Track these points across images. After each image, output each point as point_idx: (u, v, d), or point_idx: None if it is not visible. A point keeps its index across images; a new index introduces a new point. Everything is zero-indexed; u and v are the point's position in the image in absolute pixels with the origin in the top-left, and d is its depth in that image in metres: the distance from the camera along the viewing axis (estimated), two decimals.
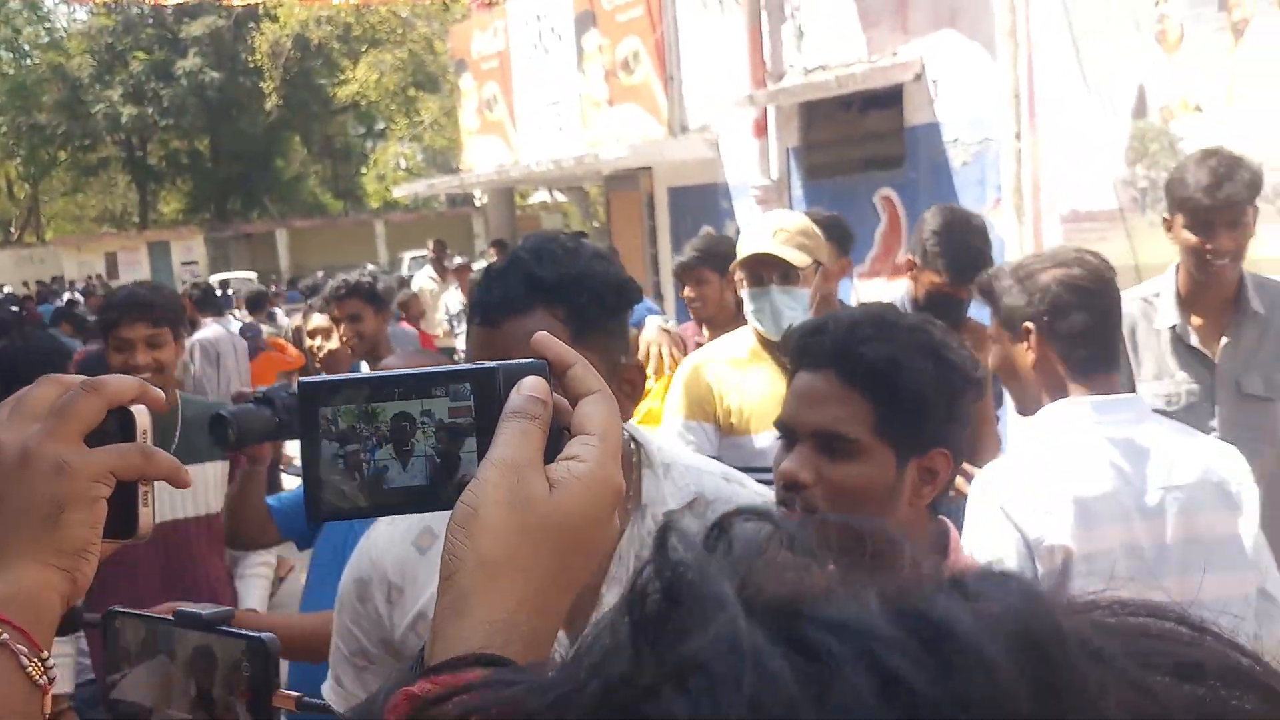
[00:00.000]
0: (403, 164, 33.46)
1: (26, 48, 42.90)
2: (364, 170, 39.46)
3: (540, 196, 23.17)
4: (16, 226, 46.20)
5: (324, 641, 2.19)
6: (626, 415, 1.60)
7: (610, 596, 1.57)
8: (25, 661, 0.75)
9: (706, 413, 3.08)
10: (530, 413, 0.67)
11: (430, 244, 12.26)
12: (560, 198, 21.67)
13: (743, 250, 3.16)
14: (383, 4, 22.70)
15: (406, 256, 28.57)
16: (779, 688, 0.34)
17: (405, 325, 8.07)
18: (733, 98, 8.33)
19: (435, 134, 26.23)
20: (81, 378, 0.83)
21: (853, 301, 7.65)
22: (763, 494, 1.77)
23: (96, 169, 43.78)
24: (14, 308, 14.26)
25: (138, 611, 1.08)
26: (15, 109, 40.32)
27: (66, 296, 21.90)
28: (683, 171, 9.26)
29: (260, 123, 39.70)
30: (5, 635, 0.75)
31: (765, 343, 3.16)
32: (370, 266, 20.07)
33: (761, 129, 8.21)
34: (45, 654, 0.77)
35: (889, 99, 7.42)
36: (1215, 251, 3.01)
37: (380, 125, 40.59)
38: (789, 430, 1.55)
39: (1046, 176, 6.40)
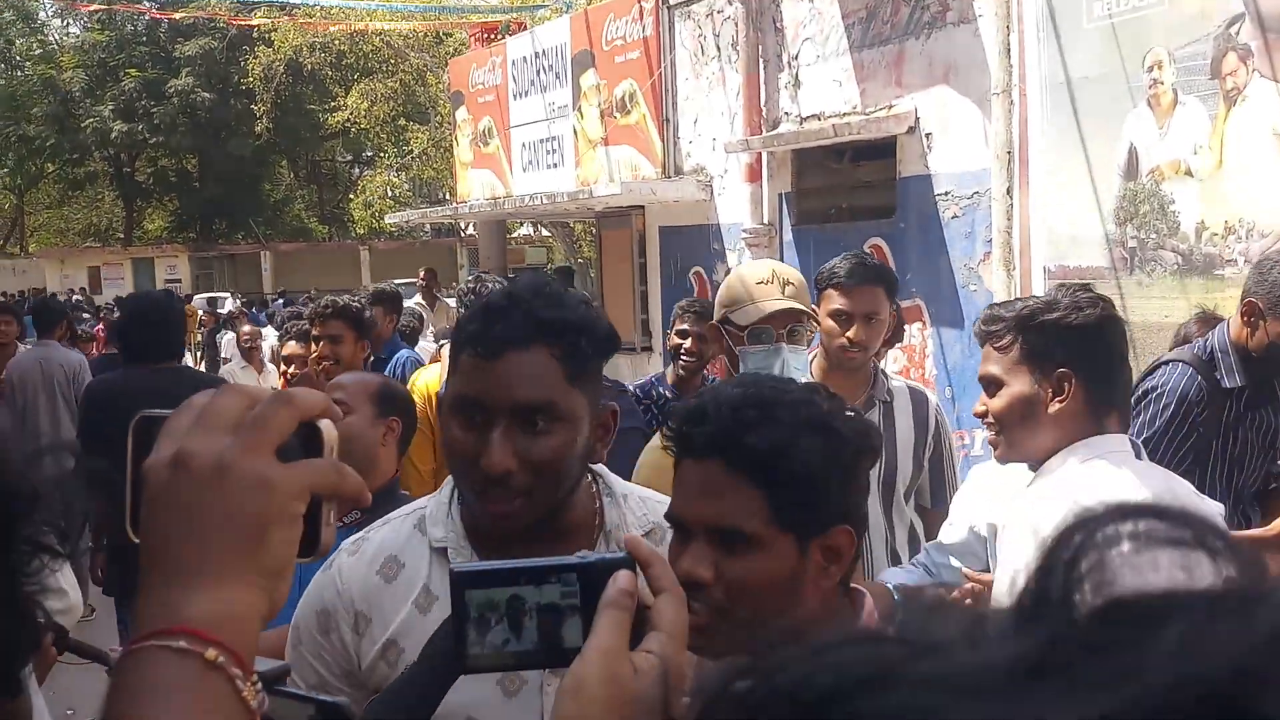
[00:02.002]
0: (390, 192, 33.52)
1: (19, 59, 42.89)
2: (351, 197, 39.51)
3: (525, 230, 23.26)
4: (0, 237, 46.00)
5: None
6: (599, 457, 1.66)
7: None
8: (240, 685, 0.72)
9: None
10: (622, 605, 0.87)
11: (421, 272, 12.28)
12: (545, 232, 21.75)
13: (747, 304, 2.89)
14: (376, 34, 22.83)
15: (391, 284, 28.63)
16: None
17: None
18: (727, 142, 8.42)
19: (423, 164, 26.28)
20: (269, 389, 0.80)
21: None
22: None
23: (84, 183, 43.73)
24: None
25: None
26: (4, 119, 40.29)
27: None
28: (674, 212, 9.34)
29: (249, 145, 39.76)
30: (221, 658, 0.72)
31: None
32: (372, 288, 20.08)
33: (755, 174, 8.30)
34: (254, 677, 0.74)
35: (882, 150, 7.52)
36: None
37: (368, 153, 40.71)
38: (680, 524, 1.46)
39: (1036, 232, 6.49)
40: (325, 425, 0.80)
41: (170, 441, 0.76)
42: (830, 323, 3.09)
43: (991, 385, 2.28)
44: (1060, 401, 2.20)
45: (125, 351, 5.00)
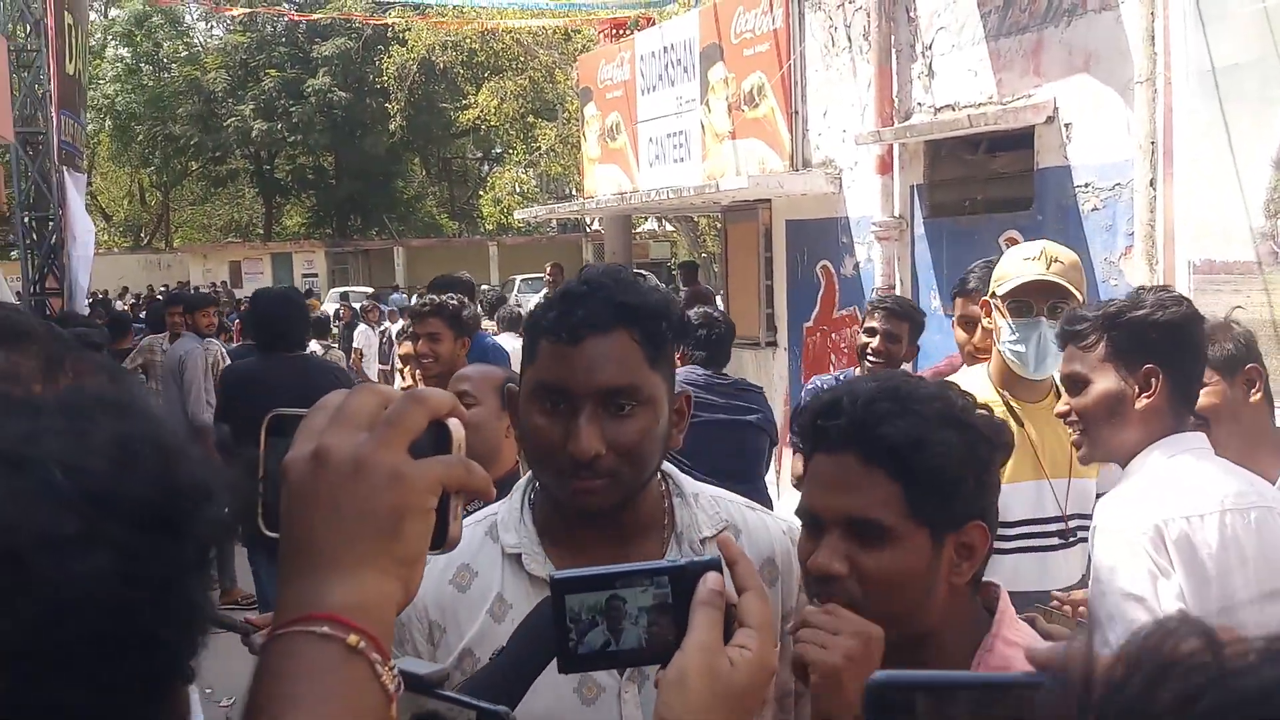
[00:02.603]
0: (518, 189, 34.00)
1: (166, 61, 44.67)
2: (481, 193, 40.17)
3: (649, 225, 23.35)
4: (146, 233, 48.01)
5: None
6: (676, 443, 1.66)
7: None
8: (379, 669, 0.75)
9: None
10: (714, 604, 0.94)
11: (548, 267, 12.45)
12: (669, 227, 21.79)
13: (1011, 277, 2.95)
14: (507, 32, 23.17)
15: (518, 278, 29.01)
16: None
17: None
18: (858, 134, 8.33)
19: (551, 160, 26.60)
20: (398, 390, 0.82)
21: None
22: (789, 525, 1.77)
23: (225, 180, 45.35)
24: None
25: None
26: (152, 119, 42.00)
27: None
28: (802, 205, 9.27)
29: (383, 143, 40.75)
30: (362, 643, 0.74)
31: (1008, 383, 3.02)
32: (484, 286, 20.38)
33: (886, 165, 8.19)
34: (392, 663, 0.76)
35: (1019, 141, 7.35)
36: None
37: (497, 150, 41.33)
38: (813, 518, 1.47)
39: (1180, 225, 6.27)
40: (453, 424, 0.82)
41: (308, 438, 0.79)
42: (960, 330, 3.24)
43: (1076, 384, 2.31)
44: (1148, 397, 2.23)
45: (259, 341, 5.44)
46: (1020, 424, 2.94)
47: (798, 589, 1.66)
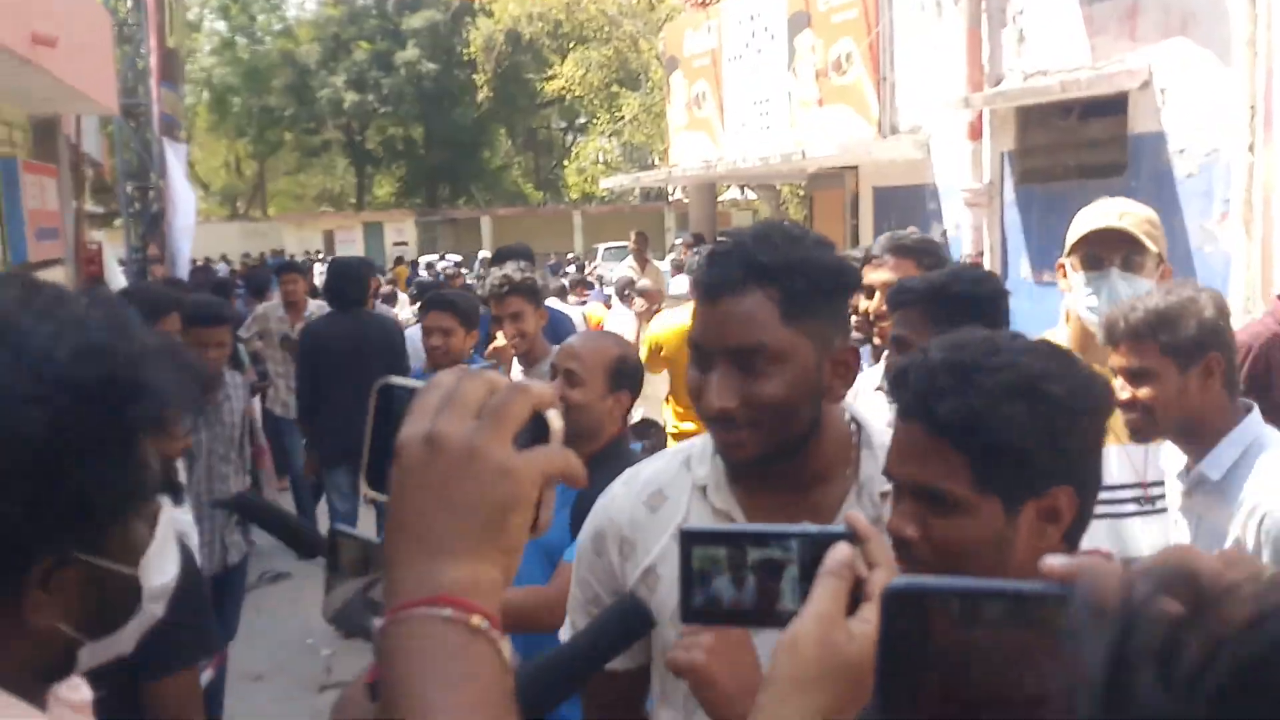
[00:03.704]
0: (602, 158, 34.07)
1: (260, 34, 45.50)
2: (565, 163, 40.34)
3: (731, 194, 23.26)
4: (243, 202, 49.09)
5: (531, 612, 2.55)
6: (838, 396, 1.66)
7: None
8: (502, 649, 0.79)
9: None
10: (840, 574, 0.93)
11: (632, 235, 12.49)
12: (751, 195, 21.69)
13: (1081, 228, 2.86)
14: (592, 2, 23.19)
15: (601, 247, 29.10)
16: None
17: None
18: (947, 100, 8.25)
19: (634, 129, 26.61)
20: (505, 379, 0.85)
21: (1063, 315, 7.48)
22: None
23: (319, 151, 46.16)
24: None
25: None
26: (248, 91, 42.89)
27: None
28: (889, 172, 9.22)
29: (470, 114, 41.11)
30: (484, 624, 0.78)
31: (1083, 347, 2.83)
32: (569, 255, 20.48)
33: (976, 132, 8.11)
34: (507, 639, 0.80)
35: (1112, 106, 7.23)
36: None
37: (582, 120, 41.43)
38: (893, 481, 1.49)
39: (1279, 191, 6.13)
40: (552, 415, 0.85)
41: (421, 419, 0.82)
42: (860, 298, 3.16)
43: (1137, 377, 2.38)
44: (1210, 383, 2.34)
45: (330, 301, 6.59)
46: None
47: None
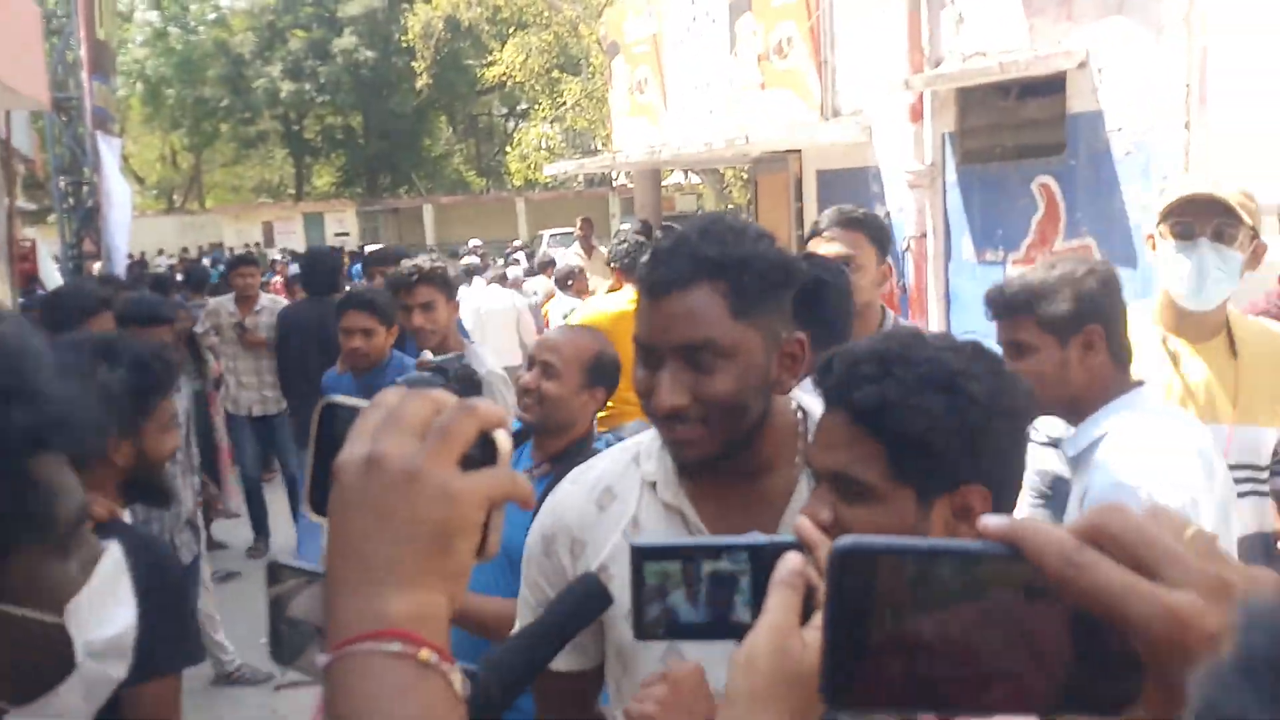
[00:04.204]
0: (544, 144, 33.93)
1: (193, 24, 44.73)
2: (507, 150, 40.11)
3: (675, 178, 23.27)
4: (179, 195, 48.32)
5: (487, 619, 2.54)
6: (786, 388, 1.66)
7: None
8: (453, 682, 0.75)
9: None
10: (792, 584, 0.91)
11: (578, 222, 12.48)
12: (695, 179, 21.71)
13: (1173, 193, 2.75)
14: None
15: (546, 234, 29.02)
16: None
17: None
18: (888, 83, 8.30)
19: (576, 115, 26.51)
20: (452, 397, 0.82)
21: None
22: None
23: (255, 141, 45.51)
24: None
25: None
26: (182, 82, 42.15)
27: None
28: (832, 154, 9.26)
29: (410, 101, 40.71)
30: (433, 658, 0.74)
31: (1172, 320, 2.77)
32: (515, 241, 20.35)
33: (917, 114, 8.17)
34: (458, 669, 0.77)
35: (1050, 86, 7.31)
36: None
37: (523, 106, 41.18)
38: (814, 470, 1.52)
39: (1215, 169, 6.23)
40: (500, 436, 0.82)
41: (362, 439, 0.78)
42: None
43: (1017, 351, 2.37)
44: (1090, 356, 2.33)
45: (305, 287, 7.00)
46: (1175, 364, 2.78)
47: None
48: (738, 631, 0.93)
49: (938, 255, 8.29)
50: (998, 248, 7.66)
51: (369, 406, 0.82)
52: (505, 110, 45.33)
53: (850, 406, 1.42)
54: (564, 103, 26.38)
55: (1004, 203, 7.71)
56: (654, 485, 1.72)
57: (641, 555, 0.95)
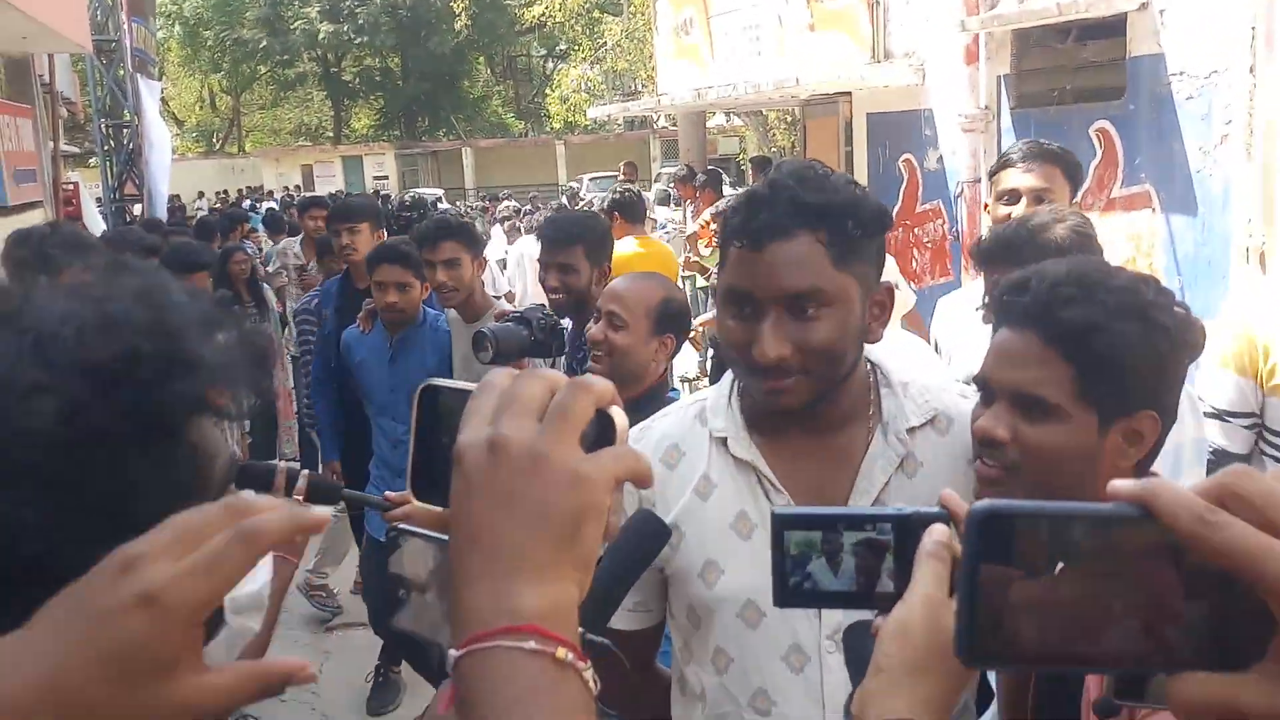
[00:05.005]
0: (584, 86, 33.68)
1: None
2: (547, 92, 39.86)
3: (716, 121, 23.04)
4: (219, 138, 48.45)
5: None
6: (876, 336, 1.65)
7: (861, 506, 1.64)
8: (588, 679, 0.73)
9: (1244, 367, 2.65)
10: (940, 556, 0.92)
11: (621, 166, 12.39)
12: (737, 121, 21.49)
13: None
14: None
15: (585, 178, 28.87)
16: None
17: None
18: (942, 24, 8.12)
19: (617, 56, 26.28)
20: (563, 376, 0.79)
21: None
22: None
23: (294, 84, 45.54)
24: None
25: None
26: (220, 24, 42.09)
27: (266, 205, 22.90)
28: (883, 98, 9.10)
29: (448, 43, 40.51)
30: (569, 655, 0.71)
31: None
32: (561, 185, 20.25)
33: (972, 56, 7.99)
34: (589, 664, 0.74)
35: (1110, 28, 7.12)
36: None
37: (562, 47, 40.87)
38: (986, 386, 1.55)
39: None
40: (616, 413, 0.79)
41: (479, 423, 0.76)
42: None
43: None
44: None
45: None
46: None
47: None
48: (882, 602, 0.94)
49: None
50: None
51: (479, 388, 0.78)
52: (544, 51, 45.01)
53: (1046, 327, 1.46)
54: (604, 43, 26.15)
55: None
56: (724, 441, 1.70)
57: (782, 523, 0.95)
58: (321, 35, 40.49)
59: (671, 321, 2.95)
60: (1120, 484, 0.64)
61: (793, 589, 0.95)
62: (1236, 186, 6.23)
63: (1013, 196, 3.15)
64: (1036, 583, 0.65)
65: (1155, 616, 0.63)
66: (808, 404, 1.61)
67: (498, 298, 4.93)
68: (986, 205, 3.29)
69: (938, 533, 0.92)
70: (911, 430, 1.68)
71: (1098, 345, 1.44)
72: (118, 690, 0.67)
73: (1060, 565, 0.65)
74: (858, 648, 1.11)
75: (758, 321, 1.56)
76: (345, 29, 40.45)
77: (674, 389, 3.15)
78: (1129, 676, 0.88)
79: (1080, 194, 7.52)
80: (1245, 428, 2.63)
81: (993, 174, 3.24)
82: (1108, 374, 1.45)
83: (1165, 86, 6.75)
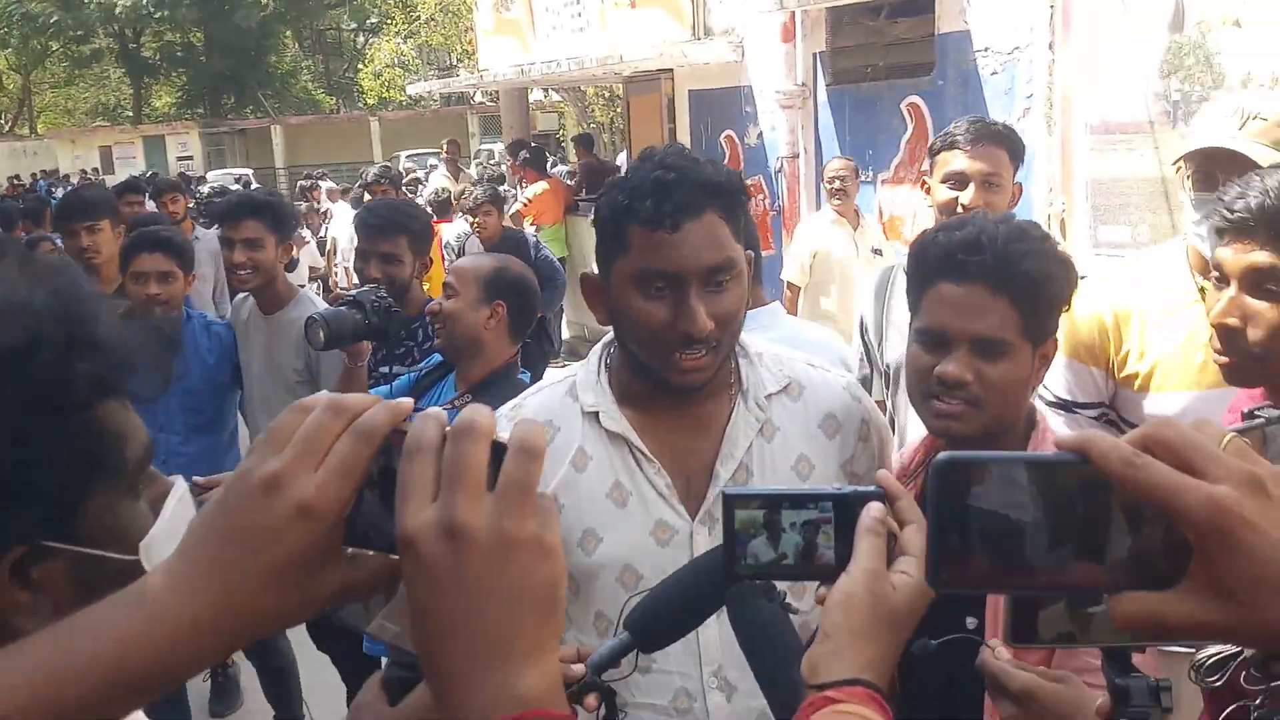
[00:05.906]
0: (398, 60, 32.98)
1: None
2: (360, 66, 38.93)
3: (535, 96, 22.96)
4: (8, 119, 45.59)
5: None
6: (761, 299, 1.86)
7: (724, 472, 1.74)
8: None
9: (1096, 356, 2.57)
10: (878, 531, 1.01)
11: (444, 144, 12.25)
12: (555, 97, 21.45)
13: (1193, 143, 2.45)
14: None
15: (403, 154, 28.30)
16: None
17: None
18: (760, 2, 8.32)
19: (431, 30, 25.86)
20: (484, 409, 0.77)
21: (875, 210, 7.78)
22: (848, 381, 1.92)
23: (89, 61, 43.11)
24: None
25: None
26: None
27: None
28: (705, 74, 9.27)
29: (254, 16, 39.05)
30: None
31: (1202, 268, 2.40)
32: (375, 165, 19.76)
33: (789, 33, 8.22)
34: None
35: (920, 6, 7.43)
36: None
37: (373, 20, 39.94)
38: (941, 336, 1.76)
39: (1077, 87, 6.46)
40: (500, 434, 0.77)
41: (421, 501, 0.73)
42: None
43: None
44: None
45: None
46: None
47: (856, 440, 1.83)
48: (823, 573, 1.03)
49: (809, 175, 8.42)
50: (868, 167, 7.81)
51: (408, 451, 0.75)
52: (355, 25, 43.87)
53: (1001, 278, 1.70)
54: (418, 17, 25.68)
55: (874, 122, 7.85)
56: (595, 415, 1.78)
57: (732, 502, 1.04)
58: (119, 9, 38.39)
59: (501, 289, 3.06)
60: (1062, 437, 0.75)
61: (741, 563, 1.03)
62: (1039, 157, 6.61)
63: (959, 180, 3.00)
64: (992, 519, 0.74)
65: (1094, 545, 0.73)
66: (709, 379, 1.71)
67: (316, 278, 4.79)
68: (923, 183, 3.16)
69: (875, 510, 1.02)
70: (769, 396, 1.79)
71: (1043, 291, 1.73)
72: (284, 595, 0.75)
73: (1011, 505, 0.74)
74: (744, 612, 1.20)
75: (680, 299, 1.63)
76: (144, 2, 38.50)
77: (523, 370, 3.22)
78: (1021, 621, 1.02)
79: (893, 167, 7.89)
80: (1093, 418, 2.59)
81: (935, 152, 3.09)
82: (1042, 311, 1.75)
83: (971, 62, 7.10)
